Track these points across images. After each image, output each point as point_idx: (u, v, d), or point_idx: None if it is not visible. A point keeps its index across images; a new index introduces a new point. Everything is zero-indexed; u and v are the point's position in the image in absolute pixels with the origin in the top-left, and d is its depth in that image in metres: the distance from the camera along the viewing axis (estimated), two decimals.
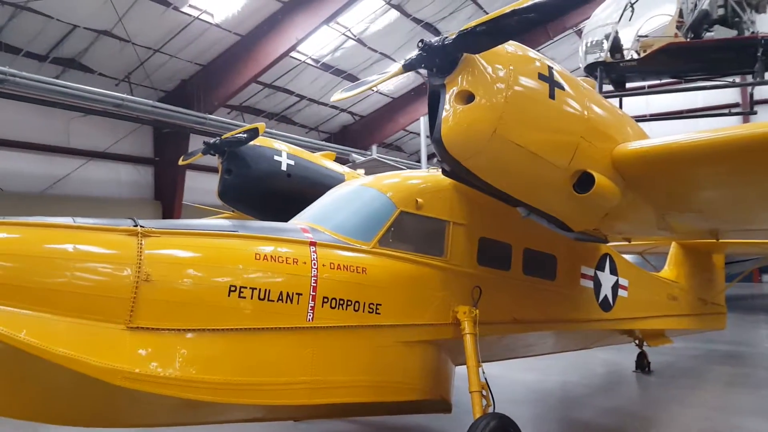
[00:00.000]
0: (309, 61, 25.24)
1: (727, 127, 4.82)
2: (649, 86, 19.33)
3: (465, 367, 5.37)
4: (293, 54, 23.26)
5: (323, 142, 28.62)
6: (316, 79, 26.90)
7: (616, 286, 8.34)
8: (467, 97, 4.27)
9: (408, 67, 4.69)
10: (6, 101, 19.20)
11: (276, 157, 7.58)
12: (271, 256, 4.72)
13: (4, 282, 3.69)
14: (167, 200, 24.14)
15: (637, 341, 10.72)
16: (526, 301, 6.67)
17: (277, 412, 4.88)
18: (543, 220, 5.15)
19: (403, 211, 5.66)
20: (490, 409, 5.33)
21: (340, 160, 25.28)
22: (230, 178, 7.52)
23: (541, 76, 4.37)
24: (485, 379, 5.38)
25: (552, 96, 4.39)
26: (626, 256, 14.71)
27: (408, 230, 5.73)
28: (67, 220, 4.18)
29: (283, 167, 7.57)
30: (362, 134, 32.57)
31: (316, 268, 4.87)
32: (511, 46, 4.54)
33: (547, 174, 4.56)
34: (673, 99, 25.94)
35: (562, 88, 4.50)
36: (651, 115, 24.00)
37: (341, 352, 4.93)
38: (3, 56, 18.05)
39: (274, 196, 7.38)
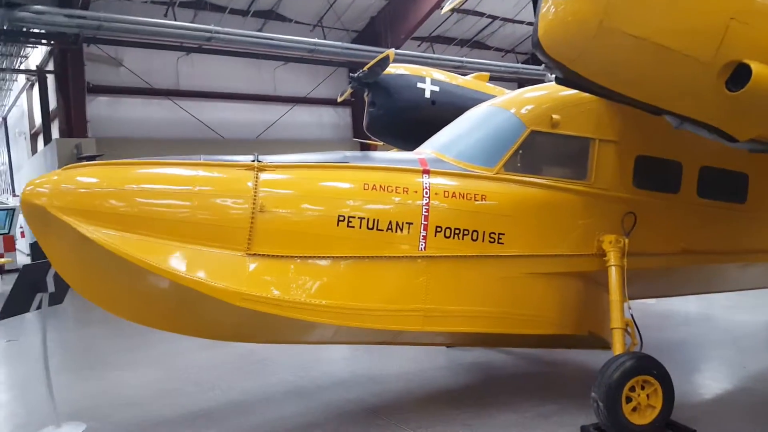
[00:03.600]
0: None
1: None
2: None
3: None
4: None
5: (520, 65, 27.02)
6: None
7: None
8: None
9: None
10: (219, 57, 21.71)
11: (420, 85, 7.33)
12: (381, 186, 4.67)
13: (138, 215, 4.18)
14: (365, 139, 25.33)
15: None
16: (702, 229, 5.70)
17: (391, 337, 4.92)
18: (701, 130, 4.18)
19: (534, 130, 5.12)
20: (636, 349, 4.76)
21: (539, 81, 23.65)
22: (374, 111, 7.50)
23: None
24: (631, 315, 4.78)
25: None
26: None
27: (541, 152, 5.19)
28: (194, 158, 4.58)
29: (427, 94, 7.31)
30: None
31: (428, 197, 4.71)
32: None
33: (683, 70, 3.60)
34: None
35: None
36: None
37: (459, 282, 4.76)
38: (210, 15, 20.17)
39: (419, 125, 7.16)
